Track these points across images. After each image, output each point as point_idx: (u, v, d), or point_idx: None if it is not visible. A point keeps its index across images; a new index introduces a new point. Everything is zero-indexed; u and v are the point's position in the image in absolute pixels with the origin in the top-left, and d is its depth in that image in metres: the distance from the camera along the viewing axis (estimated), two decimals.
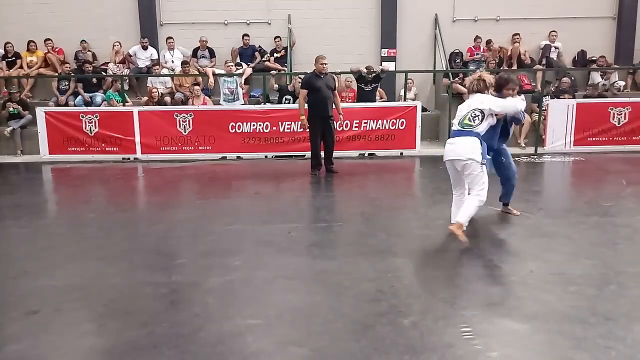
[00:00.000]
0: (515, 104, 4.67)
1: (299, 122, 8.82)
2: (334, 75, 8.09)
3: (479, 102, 4.53)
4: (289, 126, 9.02)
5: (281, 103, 9.66)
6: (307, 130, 7.67)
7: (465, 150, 4.43)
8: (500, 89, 4.79)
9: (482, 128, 4.48)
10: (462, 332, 2.99)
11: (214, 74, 10.07)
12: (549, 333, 2.99)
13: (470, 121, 4.47)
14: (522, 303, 3.37)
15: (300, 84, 8.13)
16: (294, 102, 9.77)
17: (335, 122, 7.83)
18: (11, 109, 9.91)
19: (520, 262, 4.06)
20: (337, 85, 8.06)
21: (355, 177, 7.59)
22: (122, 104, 9.75)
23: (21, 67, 11.06)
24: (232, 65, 10.08)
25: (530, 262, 4.06)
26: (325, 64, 7.48)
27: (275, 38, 11.10)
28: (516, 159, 8.62)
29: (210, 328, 3.10)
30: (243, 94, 9.99)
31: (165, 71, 10.81)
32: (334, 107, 7.62)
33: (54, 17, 11.35)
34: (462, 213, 4.46)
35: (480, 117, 4.46)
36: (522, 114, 4.78)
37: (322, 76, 7.46)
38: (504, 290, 3.58)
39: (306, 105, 7.58)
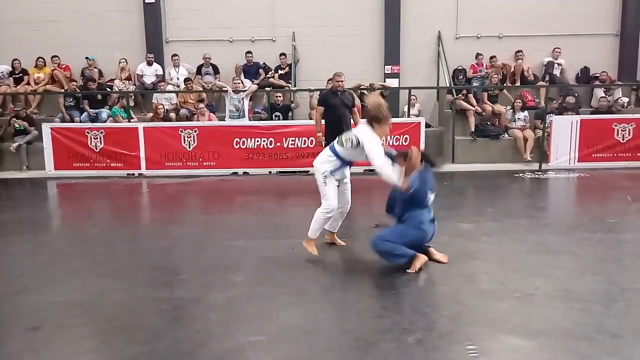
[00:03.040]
0: (377, 159, 4.20)
1: (309, 139, 8.84)
2: (352, 92, 7.90)
3: (361, 134, 4.37)
4: (293, 142, 9.06)
5: (271, 119, 9.71)
6: (323, 147, 7.60)
7: (318, 161, 4.57)
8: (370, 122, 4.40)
9: (348, 152, 4.42)
10: (466, 350, 2.95)
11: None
12: (554, 350, 2.95)
13: (343, 142, 4.46)
14: (527, 320, 3.34)
15: (317, 101, 8.11)
16: (284, 119, 9.83)
17: None
18: (17, 125, 10.00)
19: (525, 279, 4.02)
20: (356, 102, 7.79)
21: (360, 193, 7.53)
22: (127, 120, 9.82)
23: (28, 83, 11.19)
24: (238, 82, 10.13)
25: (535, 278, 4.02)
26: (342, 81, 7.33)
27: (280, 55, 11.19)
28: (520, 174, 8.67)
29: (212, 345, 3.08)
30: (248, 110, 10.05)
31: (170, 88, 10.91)
32: (352, 124, 7.41)
33: (62, 35, 11.49)
34: (310, 227, 4.61)
35: (353, 143, 4.37)
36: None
37: (338, 93, 7.31)
38: (509, 306, 3.54)
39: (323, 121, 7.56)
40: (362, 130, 4.45)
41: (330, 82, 7.74)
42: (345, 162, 4.55)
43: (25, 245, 5.27)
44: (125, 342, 3.14)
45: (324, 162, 4.53)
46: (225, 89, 9.85)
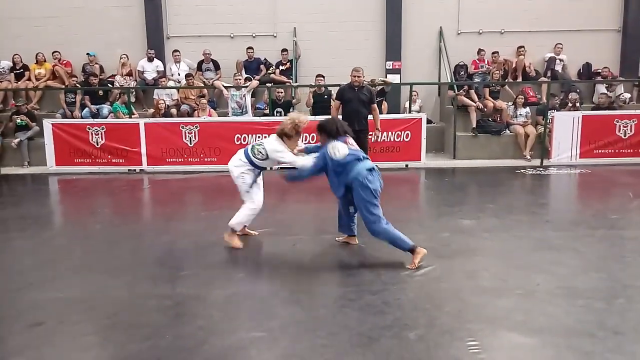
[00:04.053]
0: (295, 161, 4.67)
1: (312, 135, 8.76)
2: (371, 88, 7.75)
3: (269, 145, 4.77)
4: None
5: (273, 115, 9.68)
6: None
7: (233, 164, 4.79)
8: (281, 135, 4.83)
9: (261, 162, 4.77)
10: (468, 346, 2.96)
11: (224, 87, 10.12)
12: (556, 347, 2.95)
13: (255, 153, 4.76)
14: (529, 317, 3.34)
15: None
16: (285, 115, 9.76)
17: (372, 136, 7.48)
18: (19, 121, 9.99)
19: (527, 276, 4.02)
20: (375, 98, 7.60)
21: None
22: (128, 115, 9.81)
23: (29, 79, 11.17)
24: (240, 79, 10.11)
25: (536, 275, 4.02)
26: (358, 76, 7.20)
27: (282, 51, 11.17)
28: (522, 171, 8.67)
29: (214, 341, 3.08)
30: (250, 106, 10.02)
31: (171, 83, 10.90)
32: (369, 119, 7.37)
33: (62, 30, 11.47)
34: (234, 218, 4.82)
35: (264, 156, 4.73)
36: (304, 172, 4.55)
37: (355, 88, 7.23)
38: (510, 303, 3.54)
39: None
40: (270, 143, 4.77)
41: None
42: (258, 168, 4.81)
43: (27, 242, 5.27)
44: (127, 338, 3.14)
45: (239, 166, 4.75)
46: (225, 90, 9.79)
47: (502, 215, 5.85)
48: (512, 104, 10.12)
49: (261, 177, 4.99)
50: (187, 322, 3.35)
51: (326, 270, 4.24)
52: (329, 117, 4.77)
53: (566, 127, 9.27)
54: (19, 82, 11.09)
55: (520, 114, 9.98)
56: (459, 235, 5.09)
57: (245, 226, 5.06)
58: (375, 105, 7.48)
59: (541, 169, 8.92)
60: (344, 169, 4.35)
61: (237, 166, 4.76)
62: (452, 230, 5.24)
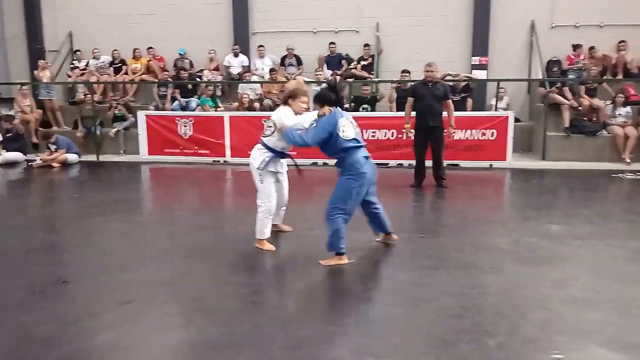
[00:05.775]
0: (298, 120, 4.41)
1: (390, 131, 8.75)
2: (445, 83, 7.63)
3: (275, 113, 4.62)
4: (374, 134, 8.99)
5: (358, 111, 9.63)
6: (412, 138, 7.42)
7: (251, 156, 4.66)
8: (286, 101, 4.58)
9: (274, 139, 4.57)
10: (552, 359, 2.78)
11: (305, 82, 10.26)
12: None
13: (265, 131, 4.64)
14: (623, 332, 3.08)
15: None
16: (372, 110, 9.71)
17: (453, 133, 7.29)
18: (117, 112, 10.71)
19: (624, 287, 3.72)
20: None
21: (442, 188, 7.37)
22: (214, 109, 10.20)
23: (126, 73, 11.94)
24: (321, 74, 10.18)
25: (632, 287, 3.72)
26: (431, 71, 7.12)
27: (364, 46, 11.11)
28: (619, 175, 8.04)
29: (289, 331, 3.13)
30: None
31: (255, 78, 11.19)
32: (443, 116, 7.19)
33: (157, 27, 12.13)
34: (256, 229, 4.66)
35: (272, 128, 4.56)
36: (298, 137, 4.30)
37: (429, 84, 7.15)
38: (602, 316, 3.29)
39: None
40: (276, 111, 4.62)
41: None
42: (276, 153, 4.62)
43: (121, 225, 5.63)
44: (207, 322, 3.26)
45: (256, 156, 4.61)
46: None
47: (596, 221, 5.47)
48: (611, 103, 9.41)
49: (285, 174, 4.92)
50: (263, 311, 3.43)
51: (401, 269, 4.16)
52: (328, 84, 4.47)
53: None
54: (117, 76, 11.89)
55: (620, 114, 9.28)
56: (546, 240, 4.82)
57: (276, 224, 5.03)
58: (450, 101, 7.26)
59: None
60: (343, 148, 4.20)
61: (255, 157, 4.61)
62: (539, 236, 4.96)
